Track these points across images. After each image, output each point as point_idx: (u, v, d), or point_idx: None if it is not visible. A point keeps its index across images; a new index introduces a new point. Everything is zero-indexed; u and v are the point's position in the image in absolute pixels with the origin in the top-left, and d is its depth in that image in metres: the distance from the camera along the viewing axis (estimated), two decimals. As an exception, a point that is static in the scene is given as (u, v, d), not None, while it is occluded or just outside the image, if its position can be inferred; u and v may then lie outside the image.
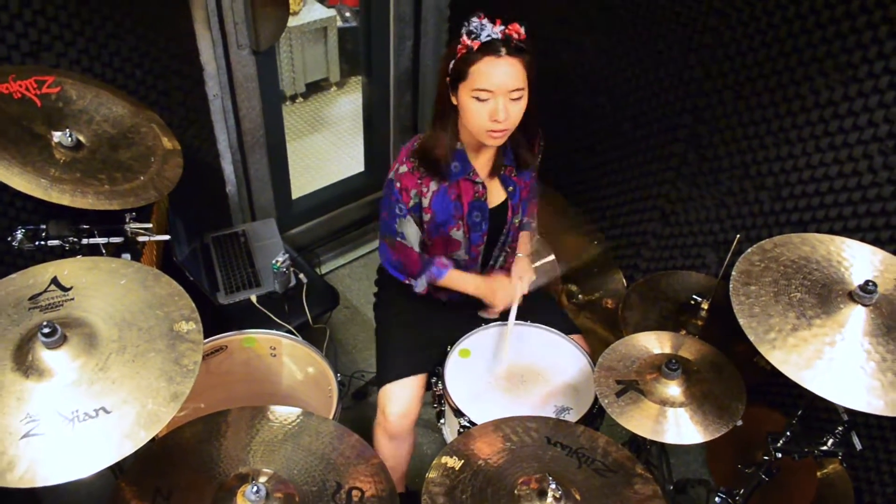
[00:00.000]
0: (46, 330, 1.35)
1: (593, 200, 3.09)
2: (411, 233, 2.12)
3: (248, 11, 2.69)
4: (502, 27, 1.86)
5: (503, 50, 1.84)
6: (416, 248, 2.16)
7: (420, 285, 2.23)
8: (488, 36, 1.84)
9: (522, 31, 1.88)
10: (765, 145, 2.35)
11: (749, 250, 1.73)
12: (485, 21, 1.86)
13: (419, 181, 2.05)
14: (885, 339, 1.52)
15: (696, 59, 2.45)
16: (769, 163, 2.35)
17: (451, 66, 1.91)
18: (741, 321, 1.56)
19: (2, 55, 2.11)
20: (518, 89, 1.89)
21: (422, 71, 3.59)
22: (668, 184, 2.73)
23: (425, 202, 2.08)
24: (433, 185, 2.06)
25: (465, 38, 1.86)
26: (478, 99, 1.88)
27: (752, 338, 1.53)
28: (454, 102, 1.96)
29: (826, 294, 1.61)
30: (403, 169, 2.06)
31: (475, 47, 1.84)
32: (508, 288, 2.23)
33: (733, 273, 1.67)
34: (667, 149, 2.68)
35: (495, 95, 1.87)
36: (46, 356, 1.36)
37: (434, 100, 2.04)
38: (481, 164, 2.12)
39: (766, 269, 1.68)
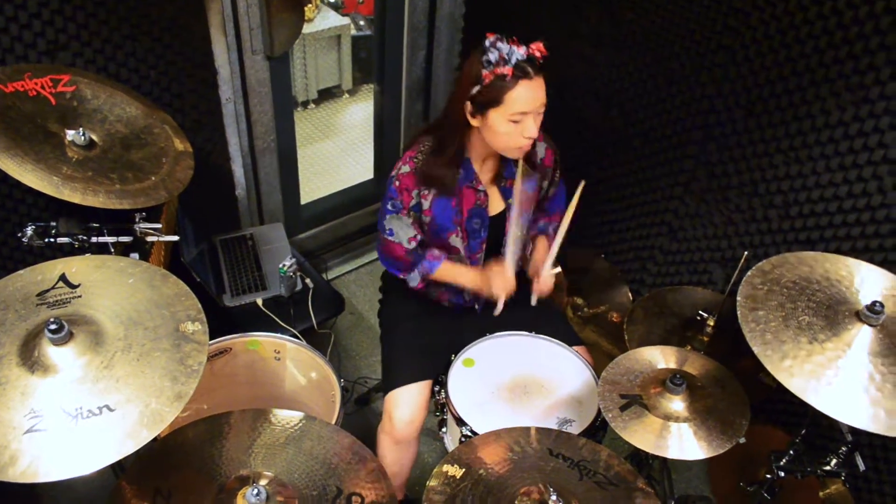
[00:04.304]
0: (53, 326, 1.35)
1: (600, 214, 3.09)
2: (400, 230, 2.14)
3: (263, 17, 2.71)
4: (525, 47, 1.88)
5: (532, 71, 1.88)
6: (405, 245, 2.16)
7: (413, 280, 2.24)
8: (517, 59, 1.86)
9: (543, 47, 1.90)
10: (774, 164, 2.34)
11: (749, 273, 1.72)
12: (509, 45, 1.87)
13: (420, 182, 2.07)
14: (894, 359, 1.51)
15: (708, 77, 2.45)
16: (778, 181, 2.35)
17: (474, 91, 1.92)
18: (755, 349, 1.55)
19: (19, 54, 2.13)
20: (544, 104, 1.94)
21: (434, 80, 3.60)
22: (676, 199, 2.73)
23: (425, 204, 2.10)
24: (434, 189, 2.09)
25: (497, 65, 1.86)
26: (513, 122, 1.92)
27: (768, 367, 1.52)
28: (474, 125, 1.98)
29: (833, 315, 1.60)
30: (406, 169, 2.08)
31: (508, 73, 1.86)
32: (502, 274, 2.14)
33: (739, 298, 1.66)
34: (676, 165, 2.68)
35: (528, 115, 1.92)
36: (52, 352, 1.37)
37: (440, 123, 2.06)
38: (485, 171, 2.14)
39: (770, 293, 1.67)
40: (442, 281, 2.25)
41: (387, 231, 2.16)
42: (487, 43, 1.88)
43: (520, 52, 1.86)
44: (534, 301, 2.21)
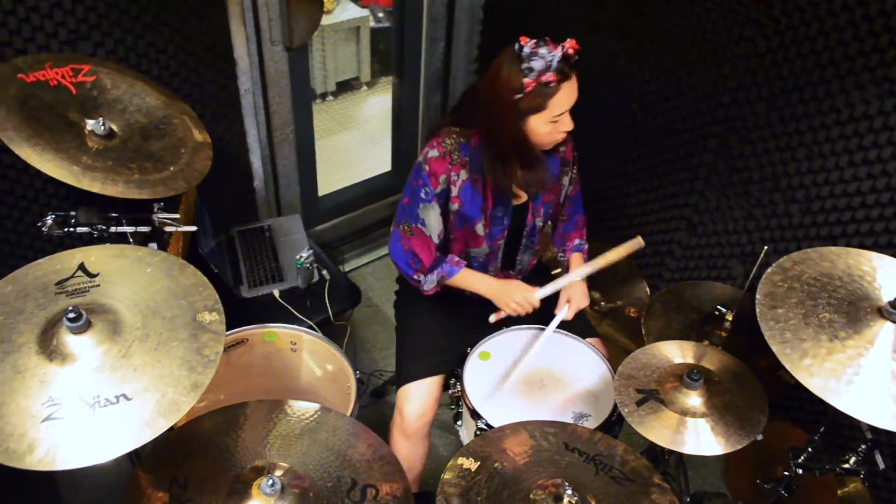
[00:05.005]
0: (72, 315, 1.36)
1: (620, 208, 3.07)
2: (433, 220, 2.10)
3: (282, 8, 2.70)
4: (560, 48, 1.85)
5: (569, 71, 1.87)
6: (435, 240, 2.14)
7: (429, 283, 2.19)
8: (557, 63, 1.83)
9: (576, 44, 1.88)
10: (796, 157, 2.32)
11: (769, 270, 1.69)
12: (546, 48, 1.84)
13: (450, 167, 2.04)
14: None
15: (729, 69, 2.42)
16: (800, 175, 2.32)
17: (516, 99, 1.88)
18: (774, 348, 1.52)
19: (41, 43, 2.14)
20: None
21: (452, 72, 3.59)
22: (696, 193, 2.71)
23: (454, 190, 2.07)
24: (463, 174, 2.06)
25: (543, 72, 1.83)
26: (554, 122, 1.93)
27: (788, 366, 1.49)
28: (519, 130, 1.96)
29: (854, 312, 1.58)
30: (434, 153, 2.04)
31: (553, 80, 1.84)
32: (524, 293, 2.15)
33: (758, 296, 1.63)
34: (696, 158, 2.66)
35: (566, 111, 1.93)
36: (71, 341, 1.37)
37: (501, 140, 1.99)
38: None
39: (791, 290, 1.64)
40: (458, 287, 2.23)
41: (419, 221, 2.10)
42: (527, 50, 1.84)
43: (558, 55, 1.84)
44: (570, 316, 2.23)
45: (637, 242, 2.13)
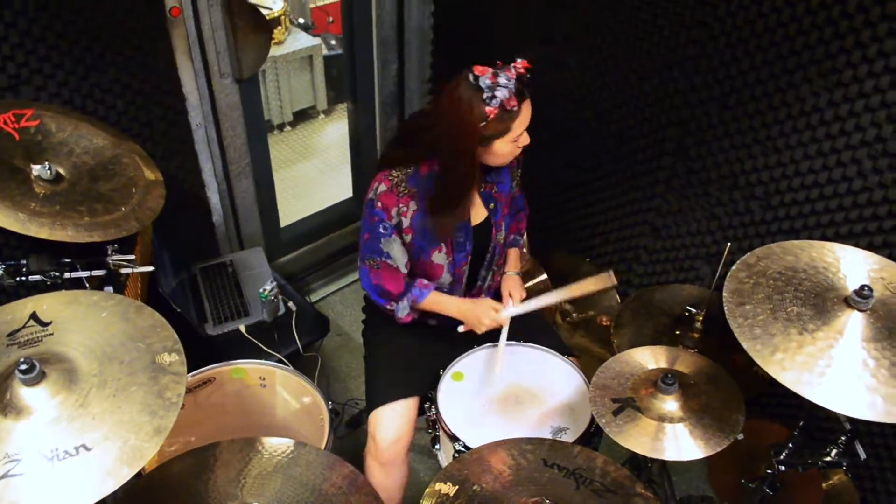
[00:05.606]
0: (24, 366, 1.30)
1: (582, 218, 3.07)
2: (397, 252, 2.09)
3: (229, 41, 2.68)
4: (512, 70, 1.86)
5: (526, 91, 1.89)
6: (403, 269, 2.12)
7: (402, 310, 2.17)
8: (515, 86, 1.85)
9: (527, 63, 1.89)
10: (752, 154, 2.33)
11: (734, 267, 1.70)
12: (505, 75, 1.85)
13: (398, 199, 2.02)
14: (887, 342, 1.49)
15: (679, 72, 2.44)
16: (758, 172, 2.34)
17: (480, 127, 1.88)
18: (745, 345, 1.52)
19: (-20, 91, 2.09)
20: None
21: (407, 94, 3.58)
22: (657, 197, 2.71)
23: (405, 222, 2.05)
24: (413, 205, 2.04)
25: (507, 99, 1.84)
26: (515, 141, 1.96)
27: (759, 361, 1.49)
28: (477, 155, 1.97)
29: (821, 303, 1.58)
30: (382, 188, 2.03)
31: (515, 104, 1.86)
32: (493, 314, 2.14)
33: (725, 294, 1.63)
34: (654, 162, 2.67)
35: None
36: (25, 393, 1.32)
37: (446, 171, 1.99)
38: None
39: (757, 286, 1.64)
40: (429, 310, 2.21)
41: (384, 255, 2.08)
42: (487, 82, 1.83)
43: (511, 78, 1.85)
44: (516, 303, 2.25)
45: (608, 278, 2.12)
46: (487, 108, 1.84)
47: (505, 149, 1.96)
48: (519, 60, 1.88)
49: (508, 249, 2.40)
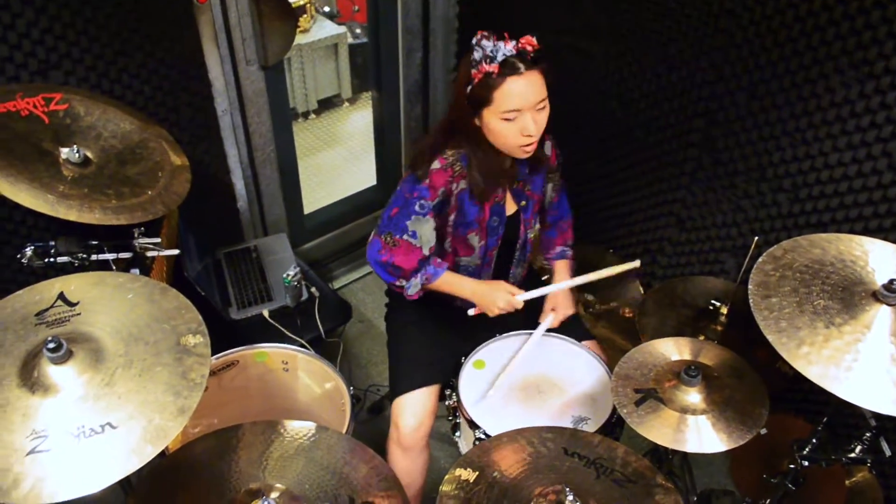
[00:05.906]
0: (52, 345, 1.33)
1: (607, 209, 3.06)
2: (427, 232, 2.07)
3: (255, 27, 2.69)
4: (514, 42, 1.84)
5: (522, 66, 1.84)
6: (426, 252, 2.10)
7: (413, 287, 2.14)
8: (504, 55, 1.82)
9: (535, 41, 1.86)
10: (781, 146, 2.30)
11: (760, 259, 1.67)
12: (496, 42, 1.84)
13: (451, 178, 2.01)
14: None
15: (707, 62, 2.41)
16: (786, 164, 2.31)
17: (468, 91, 1.89)
18: (770, 338, 1.50)
19: (10, 74, 2.12)
20: (542, 100, 1.89)
21: (432, 83, 3.58)
22: (682, 189, 2.69)
23: (453, 200, 2.05)
24: (462, 184, 2.04)
25: (482, 63, 1.83)
26: (507, 119, 1.88)
27: (785, 355, 1.46)
28: (476, 125, 1.95)
29: (849, 297, 1.55)
30: (437, 165, 2.00)
31: (494, 71, 1.83)
32: (508, 297, 2.11)
33: (750, 287, 1.60)
34: (680, 153, 2.64)
35: (523, 112, 1.87)
36: (52, 371, 1.34)
37: (451, 125, 2.02)
38: None
39: (783, 279, 1.62)
40: (440, 290, 2.18)
41: (407, 233, 2.04)
42: (473, 41, 1.85)
43: (507, 48, 1.83)
44: (555, 324, 2.24)
45: (633, 265, 2.11)
46: (473, 71, 1.86)
47: (497, 125, 1.90)
48: (525, 37, 1.86)
49: (555, 262, 2.39)
